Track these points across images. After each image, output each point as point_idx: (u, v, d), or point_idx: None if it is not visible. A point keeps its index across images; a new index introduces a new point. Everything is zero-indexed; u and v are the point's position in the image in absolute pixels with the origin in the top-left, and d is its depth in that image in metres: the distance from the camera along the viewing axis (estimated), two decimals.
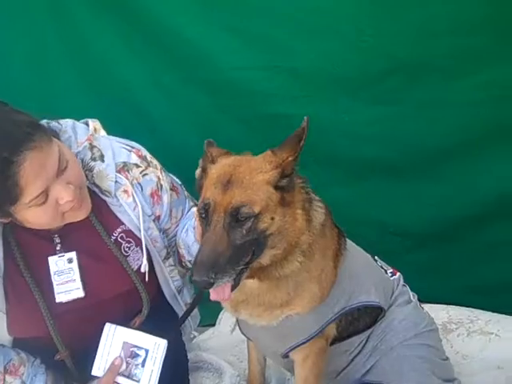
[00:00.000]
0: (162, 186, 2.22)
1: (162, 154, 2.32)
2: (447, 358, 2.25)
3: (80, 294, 2.05)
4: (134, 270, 2.14)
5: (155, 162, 2.24)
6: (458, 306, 2.84)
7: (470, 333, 2.66)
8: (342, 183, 3.05)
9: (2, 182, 1.73)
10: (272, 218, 1.67)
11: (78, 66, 3.02)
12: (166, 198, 2.23)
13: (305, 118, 1.69)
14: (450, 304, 2.85)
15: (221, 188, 1.67)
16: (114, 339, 2.09)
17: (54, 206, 1.87)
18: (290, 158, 1.69)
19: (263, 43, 2.89)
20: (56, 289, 2.04)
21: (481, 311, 2.79)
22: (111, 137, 2.19)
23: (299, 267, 1.81)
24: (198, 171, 1.88)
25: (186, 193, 2.37)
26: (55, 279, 2.04)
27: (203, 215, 1.70)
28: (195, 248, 2.13)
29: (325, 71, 2.88)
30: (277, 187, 1.69)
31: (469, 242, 3.04)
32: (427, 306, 2.36)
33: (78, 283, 2.05)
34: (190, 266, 2.28)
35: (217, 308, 2.76)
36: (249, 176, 1.67)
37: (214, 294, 1.68)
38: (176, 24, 2.90)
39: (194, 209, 2.02)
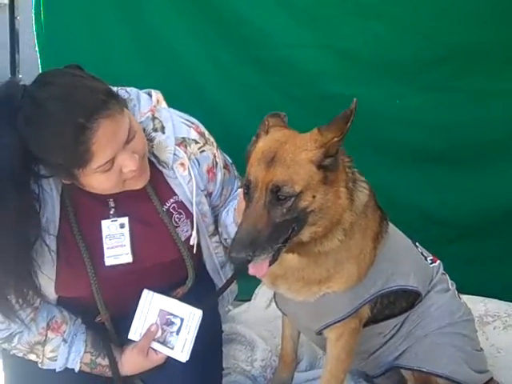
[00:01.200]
0: (217, 163, 2.23)
1: (212, 128, 2.32)
2: (481, 350, 2.25)
3: (128, 259, 2.07)
4: (183, 240, 2.16)
5: (212, 139, 2.25)
6: (495, 299, 2.82)
7: (506, 326, 2.65)
8: (389, 168, 3.04)
9: (75, 146, 1.76)
10: (313, 196, 1.68)
11: (135, 38, 3.03)
12: (219, 175, 2.25)
13: (354, 99, 1.68)
14: (488, 297, 2.84)
15: (264, 165, 1.68)
16: (151, 306, 2.12)
17: (118, 173, 1.90)
18: (335, 139, 1.68)
19: (317, 22, 2.89)
20: (106, 252, 2.06)
21: None
22: (172, 109, 2.20)
23: (339, 245, 1.82)
24: (253, 138, 1.89)
25: (236, 172, 2.38)
26: (106, 243, 2.06)
27: (246, 191, 1.72)
28: (232, 229, 2.15)
29: (378, 54, 2.87)
30: (320, 166, 1.69)
31: (511, 235, 3.01)
32: (465, 297, 2.35)
33: (128, 248, 2.07)
34: (225, 244, 2.30)
35: (254, 283, 2.83)
36: (292, 154, 1.67)
37: (252, 269, 1.70)
38: (232, 1, 2.91)
39: (240, 190, 2.05)
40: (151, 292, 2.14)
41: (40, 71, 2.99)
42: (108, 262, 2.07)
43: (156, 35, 3.03)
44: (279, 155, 1.68)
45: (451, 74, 2.85)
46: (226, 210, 2.30)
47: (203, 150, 2.18)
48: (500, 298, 2.83)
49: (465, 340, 2.14)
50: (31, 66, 3.09)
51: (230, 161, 2.37)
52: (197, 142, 2.17)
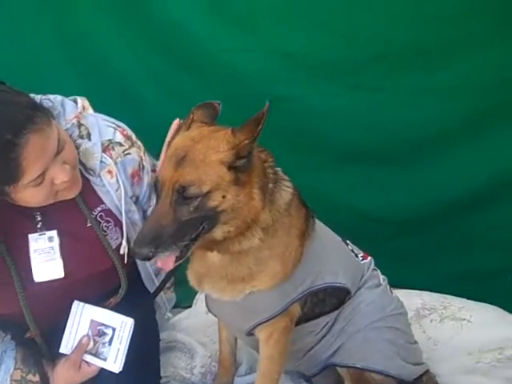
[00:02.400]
0: (143, 166, 2.21)
1: (146, 134, 2.31)
2: (415, 342, 2.26)
3: (60, 274, 2.03)
4: (113, 248, 2.13)
5: (139, 143, 2.23)
6: (432, 292, 2.86)
7: (442, 318, 2.68)
8: (324, 168, 3.06)
9: (4, 163, 1.73)
10: (223, 196, 1.69)
11: (66, 45, 3.01)
12: (146, 179, 2.23)
13: (266, 102, 1.68)
14: (424, 290, 2.87)
15: (173, 164, 1.68)
16: (82, 317, 2.09)
17: (50, 185, 1.87)
18: (246, 141, 1.69)
19: (250, 26, 2.90)
20: (35, 268, 2.02)
21: (454, 297, 2.80)
22: (98, 114, 2.18)
23: (259, 244, 1.83)
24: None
25: None
26: (35, 257, 2.02)
27: (155, 189, 1.75)
28: None
29: (310, 55, 2.88)
30: (231, 167, 1.69)
31: (447, 229, 3.05)
32: (402, 292, 2.38)
33: (59, 263, 2.03)
34: None
35: (194, 290, 2.80)
36: (203, 155, 1.68)
37: (159, 263, 1.77)
38: (163, 7, 2.90)
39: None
40: (81, 303, 2.10)
41: None
42: (38, 277, 2.02)
43: (86, 40, 3.01)
44: (190, 155, 1.68)
45: (384, 72, 2.87)
46: (151, 208, 2.27)
47: (129, 153, 2.16)
48: (436, 291, 2.86)
49: (397, 333, 2.15)
50: None
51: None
52: (122, 145, 2.15)
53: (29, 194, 1.86)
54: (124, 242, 2.13)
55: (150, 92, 3.08)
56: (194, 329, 2.75)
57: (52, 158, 1.83)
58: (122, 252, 2.13)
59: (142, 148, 2.24)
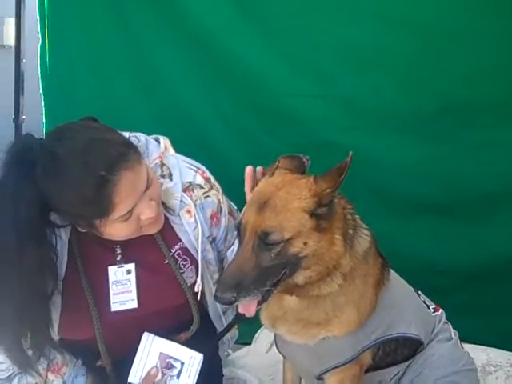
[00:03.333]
0: (221, 208, 2.23)
1: (214, 174, 2.33)
2: None
3: (134, 304, 2.07)
4: (189, 285, 2.16)
5: (217, 185, 2.26)
6: (498, 348, 2.78)
7: (508, 376, 2.60)
8: (389, 218, 3.05)
9: (97, 199, 1.78)
10: (305, 243, 1.69)
11: (140, 84, 3.13)
12: (224, 221, 2.25)
13: (350, 153, 1.69)
14: (490, 346, 2.80)
15: (256, 208, 1.70)
16: (152, 349, 2.10)
17: (137, 220, 1.91)
18: (328, 190, 1.70)
19: (316, 72, 2.98)
20: (112, 298, 2.06)
21: None
22: (178, 155, 2.22)
23: (338, 289, 1.83)
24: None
25: None
26: (113, 289, 2.06)
27: (237, 233, 1.76)
28: None
29: (376, 105, 2.94)
30: (312, 214, 1.70)
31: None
32: (468, 347, 2.31)
33: (134, 294, 2.07)
34: None
35: (255, 326, 2.80)
36: (285, 201, 1.70)
37: (240, 308, 1.74)
38: (237, 51, 2.99)
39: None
40: (151, 335, 2.12)
41: (43, 115, 3.04)
42: (114, 307, 2.07)
43: (160, 82, 3.10)
44: (272, 201, 1.70)
45: (449, 126, 2.90)
46: (231, 249, 2.29)
47: (208, 196, 2.18)
48: (502, 348, 2.79)
49: None
50: (35, 110, 3.13)
51: (235, 207, 2.37)
52: (202, 187, 2.18)
53: (116, 229, 1.90)
54: (199, 281, 2.15)
55: (219, 132, 3.15)
56: (254, 367, 2.73)
57: (141, 195, 1.87)
58: (196, 290, 2.15)
59: (220, 190, 2.26)
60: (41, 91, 3.06)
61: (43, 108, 3.08)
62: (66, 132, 1.86)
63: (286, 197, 1.71)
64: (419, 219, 3.07)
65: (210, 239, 2.21)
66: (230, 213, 2.30)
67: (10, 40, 6.51)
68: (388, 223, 3.00)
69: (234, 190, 2.22)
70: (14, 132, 3.17)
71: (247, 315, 1.75)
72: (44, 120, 3.10)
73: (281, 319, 1.94)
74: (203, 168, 2.25)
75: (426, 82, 2.85)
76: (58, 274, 1.93)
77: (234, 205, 2.36)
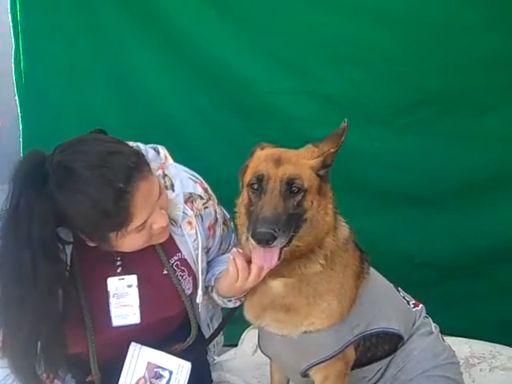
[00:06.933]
0: (217, 219, 2.23)
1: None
2: None
3: (136, 319, 2.05)
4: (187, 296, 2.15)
5: (213, 195, 2.26)
6: (480, 340, 2.80)
7: (492, 368, 2.62)
8: (369, 211, 3.05)
9: (116, 211, 1.78)
10: (312, 202, 1.83)
11: (115, 86, 3.06)
12: (219, 231, 2.25)
13: (345, 119, 1.86)
14: (472, 338, 2.82)
15: (273, 163, 1.83)
16: (139, 359, 2.09)
17: (149, 230, 1.91)
18: (331, 150, 1.86)
19: (297, 69, 2.94)
20: (113, 312, 2.04)
21: (503, 346, 2.75)
22: (177, 165, 2.21)
23: (321, 271, 1.90)
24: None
25: (232, 226, 2.37)
26: (113, 301, 2.04)
27: (255, 186, 1.83)
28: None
29: (356, 99, 2.91)
30: (317, 174, 1.85)
31: (494, 276, 3.03)
32: (449, 339, 2.33)
33: (136, 309, 2.05)
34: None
35: (240, 327, 2.79)
36: (296, 158, 1.86)
37: (261, 259, 1.80)
38: (214, 48, 2.95)
39: (227, 256, 2.13)
40: (138, 345, 2.11)
41: (20, 120, 3.01)
42: (115, 322, 2.04)
43: (137, 83, 3.05)
44: (284, 157, 1.85)
45: (427, 118, 2.89)
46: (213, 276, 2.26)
47: (206, 207, 2.18)
48: (484, 339, 2.81)
49: (449, 383, 2.12)
50: (10, 116, 3.10)
51: (228, 216, 2.35)
52: (201, 198, 2.18)
53: (130, 240, 1.89)
54: (200, 292, 2.14)
55: (197, 132, 3.11)
56: (242, 370, 2.72)
57: (155, 204, 1.88)
58: (198, 301, 2.15)
59: (216, 200, 2.26)
60: (16, 98, 3.03)
61: (19, 114, 3.04)
62: (79, 146, 1.83)
63: (296, 154, 1.88)
64: (398, 212, 3.07)
65: (206, 250, 2.21)
66: (225, 222, 2.30)
67: None
68: (367, 217, 3.00)
69: (213, 189, 2.26)
70: None
71: (266, 267, 1.81)
72: (20, 126, 3.06)
73: (268, 307, 1.98)
74: (200, 178, 2.24)
75: (402, 75, 2.84)
76: (70, 292, 1.90)
77: (227, 213, 2.35)
